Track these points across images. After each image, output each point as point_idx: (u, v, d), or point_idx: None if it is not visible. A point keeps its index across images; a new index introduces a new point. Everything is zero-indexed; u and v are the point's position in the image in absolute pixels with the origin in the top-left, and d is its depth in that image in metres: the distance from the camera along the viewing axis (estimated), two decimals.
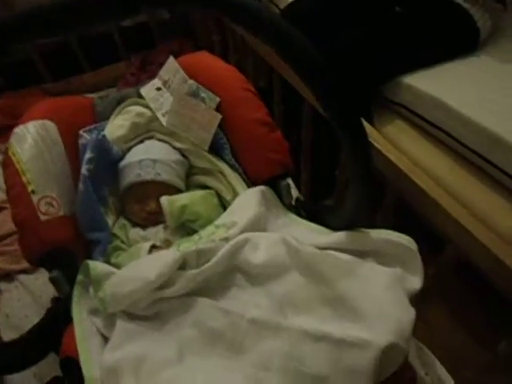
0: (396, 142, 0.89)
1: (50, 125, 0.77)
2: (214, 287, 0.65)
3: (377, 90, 1.00)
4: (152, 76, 1.50)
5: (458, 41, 1.00)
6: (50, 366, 0.69)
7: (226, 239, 0.66)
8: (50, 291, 1.01)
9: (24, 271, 1.04)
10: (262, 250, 0.64)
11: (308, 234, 0.71)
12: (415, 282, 0.60)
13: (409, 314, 0.52)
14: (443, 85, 0.91)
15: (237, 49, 1.20)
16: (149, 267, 0.62)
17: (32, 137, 0.73)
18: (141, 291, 0.61)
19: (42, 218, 0.69)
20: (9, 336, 0.94)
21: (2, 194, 1.23)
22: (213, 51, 1.36)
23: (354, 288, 0.54)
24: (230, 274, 0.66)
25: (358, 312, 0.52)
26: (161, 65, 1.54)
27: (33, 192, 0.69)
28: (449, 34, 0.99)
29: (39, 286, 1.02)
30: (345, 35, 1.03)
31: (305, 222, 0.76)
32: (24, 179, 0.69)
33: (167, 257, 0.63)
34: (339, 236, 0.64)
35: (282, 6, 1.33)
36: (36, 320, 0.95)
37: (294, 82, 0.89)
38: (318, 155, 1.00)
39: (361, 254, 0.63)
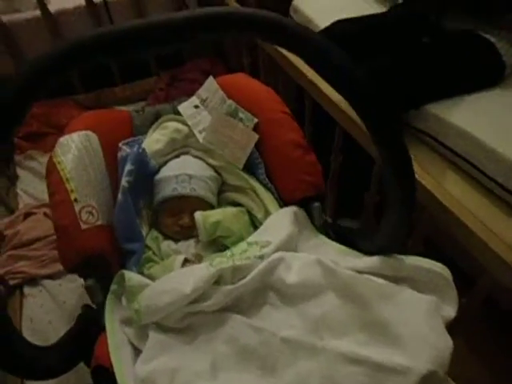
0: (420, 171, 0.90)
1: (93, 136, 0.80)
2: (246, 304, 0.66)
3: (402, 117, 1.02)
4: (181, 92, 1.56)
5: (484, 73, 1.02)
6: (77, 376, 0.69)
7: (261, 257, 0.67)
8: (73, 298, 1.03)
9: (49, 277, 1.05)
10: (296, 269, 0.65)
11: (340, 257, 0.71)
12: (450, 311, 0.60)
13: (447, 342, 0.52)
14: (468, 115, 0.92)
15: (267, 71, 1.24)
16: (184, 281, 0.63)
17: (76, 147, 0.76)
18: (176, 304, 0.62)
19: (83, 226, 0.70)
20: (32, 340, 0.94)
21: (32, 200, 1.25)
22: (243, 71, 1.39)
23: (392, 313, 0.55)
24: (263, 292, 0.67)
25: (397, 337, 0.52)
26: (190, 81, 1.60)
27: (75, 200, 0.71)
28: (475, 66, 1.01)
29: (63, 292, 1.03)
30: (371, 63, 1.06)
31: (335, 244, 0.76)
32: (68, 187, 0.72)
33: (203, 271, 0.64)
34: (373, 260, 0.65)
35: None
36: (59, 326, 0.98)
37: (325, 105, 0.91)
38: (345, 178, 1.01)
39: (395, 280, 0.64)
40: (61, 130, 1.33)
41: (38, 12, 1.29)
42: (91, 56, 0.42)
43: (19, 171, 1.35)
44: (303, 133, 0.82)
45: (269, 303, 0.66)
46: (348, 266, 0.66)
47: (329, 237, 0.79)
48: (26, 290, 1.05)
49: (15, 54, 1.34)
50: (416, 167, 0.84)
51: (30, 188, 1.28)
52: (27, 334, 0.97)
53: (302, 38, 0.47)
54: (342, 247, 0.75)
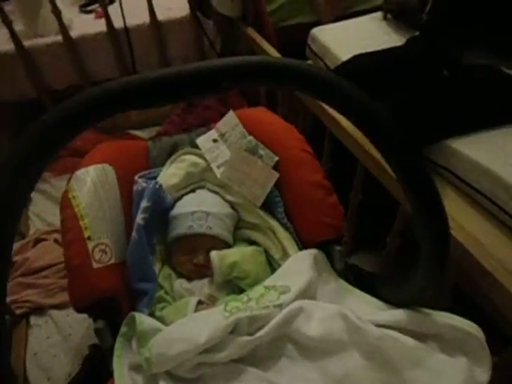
0: None
1: (109, 169, 0.78)
2: (262, 356, 0.63)
3: (422, 151, 1.00)
4: (196, 118, 1.55)
5: (506, 109, 1.00)
6: None
7: (280, 306, 0.64)
8: (80, 330, 1.00)
9: (56, 306, 1.03)
10: (318, 321, 0.61)
11: (362, 306, 0.68)
12: (482, 375, 0.56)
13: None
14: (490, 151, 0.89)
15: (285, 101, 1.23)
16: (199, 329, 0.60)
17: (92, 181, 0.75)
18: (189, 354, 0.59)
19: (95, 265, 0.68)
20: (35, 376, 0.92)
21: (43, 224, 1.24)
22: (258, 101, 1.39)
23: (422, 380, 0.51)
24: (281, 344, 0.63)
25: None
26: (205, 108, 1.60)
27: (89, 238, 0.69)
28: (496, 101, 0.99)
29: (70, 324, 1.00)
30: (392, 96, 1.04)
31: (356, 290, 0.73)
32: (82, 224, 0.70)
33: (219, 320, 0.61)
34: (400, 314, 0.61)
35: (329, 62, 1.37)
36: (64, 361, 0.94)
37: (347, 143, 0.89)
38: (364, 217, 0.98)
39: (423, 337, 0.60)
40: (74, 152, 1.33)
41: (59, 37, 1.30)
42: (115, 107, 0.41)
43: (32, 194, 1.34)
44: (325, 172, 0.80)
45: (286, 356, 0.62)
46: (372, 319, 0.62)
47: (349, 282, 0.76)
48: (33, 319, 1.02)
49: (36, 78, 1.35)
50: None
51: (42, 212, 1.27)
52: (31, 368, 0.93)
53: (334, 89, 0.45)
54: (364, 295, 0.71)
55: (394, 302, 0.65)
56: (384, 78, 1.11)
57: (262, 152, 0.80)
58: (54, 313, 1.02)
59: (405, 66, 1.13)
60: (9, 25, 1.20)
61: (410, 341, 0.56)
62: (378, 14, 1.47)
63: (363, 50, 1.23)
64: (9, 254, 0.39)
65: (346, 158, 0.93)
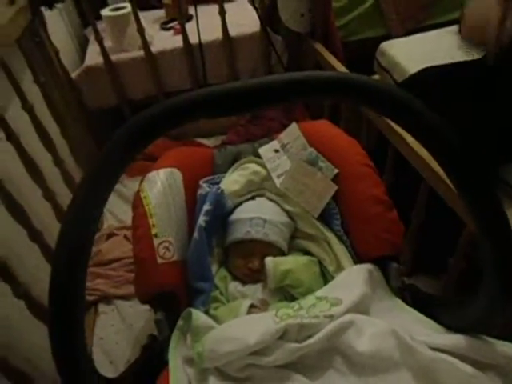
0: None
1: (177, 173, 0.84)
2: (310, 364, 0.63)
3: (497, 172, 0.94)
4: (260, 129, 1.60)
5: None
6: None
7: (330, 317, 0.64)
8: (140, 321, 1.07)
9: (122, 297, 1.11)
10: (368, 337, 0.60)
11: (416, 326, 0.65)
12: None
13: None
14: None
15: (349, 116, 1.22)
16: (250, 331, 0.62)
17: (162, 183, 0.81)
18: (238, 353, 0.61)
19: (159, 260, 0.73)
20: (99, 360, 1.00)
21: (115, 221, 1.35)
22: (322, 114, 1.40)
23: None
24: (329, 355, 0.63)
25: None
26: (269, 119, 1.64)
27: (155, 235, 0.75)
28: None
29: (132, 315, 1.08)
30: (465, 112, 0.99)
31: (412, 310, 0.71)
32: (150, 222, 0.76)
33: (270, 324, 0.63)
34: (458, 339, 0.58)
35: (397, 76, 1.34)
36: (124, 349, 1.02)
37: (411, 160, 0.87)
38: (426, 237, 0.94)
39: (480, 366, 0.57)
40: (146, 156, 1.44)
41: (141, 52, 1.43)
42: (186, 117, 0.45)
43: None
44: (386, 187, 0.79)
45: (334, 368, 0.62)
46: (426, 340, 0.60)
47: (405, 301, 0.73)
48: (101, 307, 1.12)
49: (118, 88, 1.49)
50: None
51: (115, 209, 1.38)
52: (96, 352, 1.02)
53: (402, 107, 0.45)
54: (420, 315, 0.69)
55: (453, 327, 0.62)
56: (455, 92, 1.07)
57: (321, 164, 0.81)
58: (120, 303, 1.11)
59: (478, 81, 1.08)
60: (100, 41, 1.35)
61: (467, 368, 0.53)
62: (454, 28, 1.41)
63: (433, 64, 1.19)
64: (90, 244, 0.44)
65: (409, 174, 0.90)
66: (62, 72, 1.31)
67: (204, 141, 1.63)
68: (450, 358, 0.55)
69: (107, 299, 1.12)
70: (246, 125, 1.58)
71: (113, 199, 1.46)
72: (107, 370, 0.96)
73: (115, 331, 1.05)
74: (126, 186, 1.47)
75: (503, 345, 0.57)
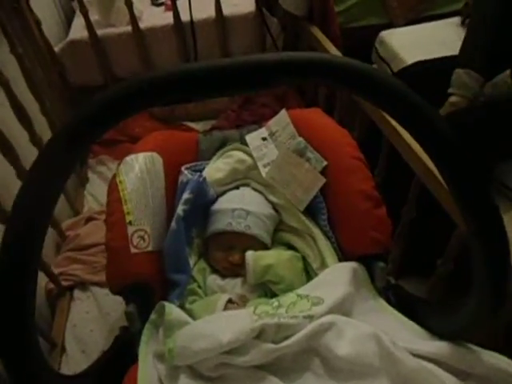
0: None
1: (158, 158, 0.80)
2: (286, 366, 0.60)
3: (491, 171, 0.91)
4: (251, 115, 1.55)
5: None
6: None
7: (311, 317, 0.61)
8: (117, 310, 1.03)
9: (98, 284, 1.07)
10: (348, 340, 0.57)
11: (400, 331, 0.62)
12: None
13: None
14: None
15: (343, 106, 1.18)
16: (224, 328, 0.59)
17: (139, 168, 0.76)
18: (211, 352, 0.58)
19: (133, 250, 0.69)
20: (71, 346, 0.96)
21: (97, 205, 1.30)
22: (317, 102, 1.35)
23: None
24: (307, 357, 0.60)
25: None
26: (261, 106, 1.59)
27: (130, 223, 0.71)
28: None
29: (108, 303, 1.04)
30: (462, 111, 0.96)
31: (395, 312, 0.68)
32: (125, 208, 0.71)
33: (245, 323, 0.59)
34: (442, 346, 0.56)
35: (395, 68, 1.29)
36: (98, 338, 0.98)
37: (405, 155, 0.83)
38: (415, 235, 0.91)
39: (464, 376, 0.54)
40: (133, 139, 1.38)
41: (129, 28, 1.36)
42: (164, 94, 0.40)
43: (90, 175, 1.41)
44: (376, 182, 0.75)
45: (311, 371, 0.59)
46: (410, 347, 0.57)
47: (389, 302, 0.70)
48: (76, 293, 1.08)
49: (104, 65, 1.42)
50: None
51: (97, 192, 1.33)
52: (69, 339, 0.98)
53: (396, 98, 0.41)
54: (403, 318, 0.66)
55: (437, 332, 0.60)
56: (446, 87, 1.02)
57: (310, 155, 0.77)
58: (96, 290, 1.07)
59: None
60: (85, 14, 1.27)
61: (451, 380, 0.51)
62: (456, 20, 1.37)
63: (434, 57, 1.15)
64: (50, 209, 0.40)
65: (402, 169, 0.87)
66: (43, 44, 1.24)
67: (193, 125, 1.57)
68: (431, 367, 0.52)
69: (83, 285, 1.08)
70: (237, 110, 1.52)
71: (95, 181, 1.41)
72: (78, 360, 0.92)
73: (89, 319, 1.01)
74: (111, 168, 1.42)
75: (487, 354, 0.55)
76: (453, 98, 0.94)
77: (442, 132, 0.41)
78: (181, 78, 0.39)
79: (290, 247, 0.82)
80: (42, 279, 1.04)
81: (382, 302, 0.70)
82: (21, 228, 0.37)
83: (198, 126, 1.57)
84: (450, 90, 0.95)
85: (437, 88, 0.97)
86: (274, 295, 0.73)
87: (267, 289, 0.76)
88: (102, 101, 0.39)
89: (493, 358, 0.54)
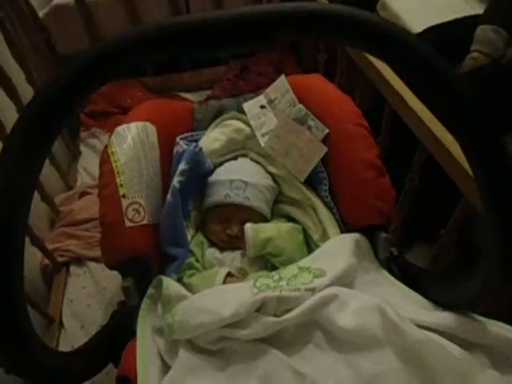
0: None
1: (151, 127, 0.76)
2: (287, 339, 0.59)
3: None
4: (248, 84, 1.49)
5: None
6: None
7: (312, 290, 0.59)
8: (113, 285, 1.02)
9: (94, 259, 1.05)
10: (352, 312, 0.56)
11: (403, 302, 0.61)
12: None
13: None
14: None
15: (344, 71, 1.13)
16: (224, 302, 0.58)
17: (132, 138, 0.73)
18: (211, 326, 0.56)
19: (127, 223, 0.67)
20: (69, 322, 0.96)
21: (90, 179, 1.27)
22: (316, 69, 1.29)
23: None
24: (309, 330, 0.59)
25: None
26: (258, 74, 1.53)
27: (123, 196, 0.68)
28: None
29: (105, 278, 1.02)
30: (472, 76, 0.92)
31: (398, 283, 0.66)
32: (118, 181, 0.68)
33: (246, 296, 0.58)
34: (446, 317, 0.54)
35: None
36: (96, 312, 0.97)
37: (408, 120, 0.80)
38: (419, 204, 0.89)
39: (470, 346, 0.53)
40: (124, 111, 1.33)
41: None
42: (153, 49, 0.36)
43: (82, 148, 1.37)
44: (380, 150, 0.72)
45: (314, 343, 0.58)
46: (414, 317, 0.55)
47: (392, 273, 0.69)
48: (72, 269, 1.06)
49: (92, 32, 1.34)
50: None
51: (90, 166, 1.30)
52: (66, 314, 0.97)
53: (405, 48, 0.37)
54: (407, 289, 0.65)
55: (441, 303, 0.58)
56: (461, 54, 0.98)
57: (311, 123, 0.73)
58: (92, 265, 1.05)
59: None
60: None
61: (456, 350, 0.49)
62: None
63: (439, 21, 1.09)
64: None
65: (406, 136, 0.83)
66: (26, 9, 1.16)
67: (188, 95, 1.52)
68: (436, 338, 0.51)
69: (79, 260, 1.07)
70: (233, 79, 1.47)
71: (88, 155, 1.36)
72: (77, 336, 0.92)
73: (86, 294, 1.00)
74: (103, 141, 1.37)
75: (491, 324, 0.53)
76: (475, 54, 0.89)
77: (457, 89, 0.38)
78: (173, 31, 0.35)
79: (290, 219, 0.80)
80: (37, 255, 1.03)
81: (385, 274, 0.69)
82: (2, 198, 0.35)
83: (192, 96, 1.51)
84: (474, 47, 0.91)
85: (450, 53, 0.93)
86: (274, 268, 0.72)
87: (267, 262, 0.74)
88: (83, 62, 0.36)
89: (498, 328, 0.53)
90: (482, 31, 0.92)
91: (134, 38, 0.35)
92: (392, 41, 0.36)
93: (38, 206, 1.06)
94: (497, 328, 0.53)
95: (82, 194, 1.19)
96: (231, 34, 0.35)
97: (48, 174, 1.18)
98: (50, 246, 1.04)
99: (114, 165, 0.70)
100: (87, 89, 0.36)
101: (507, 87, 0.86)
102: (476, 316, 0.54)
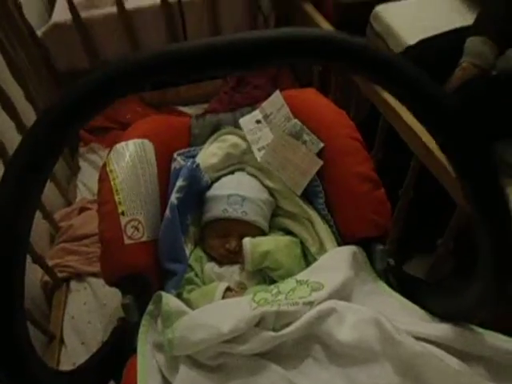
0: None
1: (149, 145, 0.77)
2: (287, 354, 0.59)
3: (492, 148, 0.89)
4: (244, 97, 1.51)
5: None
6: None
7: (310, 303, 0.60)
8: (114, 301, 1.02)
9: (94, 274, 1.06)
10: (349, 325, 0.57)
11: (401, 313, 0.62)
12: None
13: None
14: None
15: (339, 84, 1.15)
16: (223, 317, 0.58)
17: (130, 156, 0.74)
18: (211, 341, 0.57)
19: (127, 241, 0.68)
20: (70, 338, 0.96)
21: (90, 194, 1.28)
22: (311, 83, 1.31)
23: None
24: (308, 343, 0.59)
25: None
26: (254, 87, 1.55)
27: (122, 213, 0.69)
28: None
29: (105, 293, 1.03)
30: (465, 87, 0.93)
31: (397, 295, 0.67)
32: (116, 198, 0.69)
33: (245, 311, 0.58)
34: (444, 329, 0.55)
35: (392, 44, 1.26)
36: (96, 329, 0.97)
37: (402, 132, 0.81)
38: (413, 216, 0.90)
39: (468, 358, 0.53)
40: (124, 126, 1.35)
41: (114, 9, 1.31)
42: (144, 77, 0.37)
43: (81, 163, 1.38)
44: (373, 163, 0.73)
45: (313, 357, 0.58)
46: (411, 329, 0.56)
47: (389, 285, 0.70)
48: (73, 284, 1.06)
49: (90, 49, 1.37)
50: None
51: (89, 181, 1.31)
52: (67, 331, 0.97)
53: (392, 71, 0.39)
54: (404, 300, 0.65)
55: (438, 314, 0.59)
56: (452, 65, 0.99)
57: (306, 137, 0.75)
58: (93, 281, 1.06)
59: None
60: None
61: (454, 362, 0.50)
62: None
63: (431, 31, 1.11)
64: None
65: (400, 149, 0.84)
66: (25, 28, 1.18)
67: (185, 109, 1.54)
68: (434, 350, 0.51)
69: (79, 276, 1.07)
70: (229, 92, 1.49)
71: (87, 170, 1.38)
72: (78, 352, 0.92)
73: (87, 310, 1.00)
74: (102, 157, 1.38)
75: (490, 335, 0.54)
76: (465, 65, 0.91)
77: (442, 105, 0.39)
78: (169, 58, 0.37)
79: (288, 232, 0.80)
80: (38, 272, 1.03)
81: (383, 285, 0.69)
82: (4, 219, 0.35)
83: (190, 110, 1.53)
84: (463, 59, 0.92)
85: (443, 66, 0.94)
86: (272, 282, 0.72)
87: (266, 275, 0.75)
88: (83, 88, 0.37)
89: (496, 339, 0.53)
90: (472, 43, 0.94)
91: (130, 65, 0.37)
92: (382, 66, 0.37)
93: (38, 223, 1.07)
94: (495, 339, 0.53)
95: (82, 210, 1.20)
96: (221, 59, 0.36)
97: (48, 190, 1.19)
98: (50, 262, 1.05)
99: (112, 182, 0.70)
100: (82, 118, 0.37)
101: (498, 97, 0.87)
102: (473, 327, 0.55)
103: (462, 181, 0.41)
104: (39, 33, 1.30)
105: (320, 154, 0.75)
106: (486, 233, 0.42)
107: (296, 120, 0.77)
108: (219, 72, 0.39)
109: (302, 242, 0.77)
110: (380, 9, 1.35)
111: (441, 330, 0.55)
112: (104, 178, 0.72)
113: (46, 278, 1.04)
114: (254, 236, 0.75)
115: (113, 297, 1.02)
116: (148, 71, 0.36)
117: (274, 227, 0.82)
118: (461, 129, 0.39)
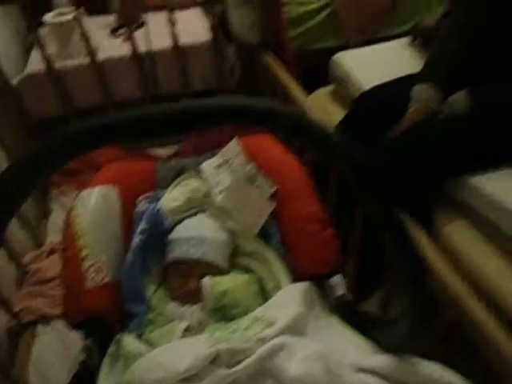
0: (456, 245, 0.86)
1: (113, 192, 0.82)
2: None
3: (441, 186, 0.96)
4: (210, 140, 1.57)
5: None
6: None
7: (263, 340, 0.63)
8: (78, 344, 1.02)
9: (60, 317, 1.06)
10: (298, 360, 0.60)
11: (350, 347, 0.66)
12: None
13: None
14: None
15: None
16: (180, 356, 0.61)
17: (96, 201, 0.78)
18: (169, 381, 0.59)
19: (88, 285, 0.71)
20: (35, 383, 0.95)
21: (59, 237, 1.29)
22: None
23: None
24: (261, 379, 0.62)
25: None
26: (220, 131, 1.62)
27: (86, 257, 0.72)
28: None
29: (70, 336, 1.02)
30: (410, 131, 1.01)
31: (347, 329, 0.71)
32: (79, 244, 0.73)
33: (201, 349, 0.61)
34: (387, 360, 0.59)
35: (351, 88, 1.35)
36: (61, 371, 0.96)
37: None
38: (366, 253, 0.95)
39: None
40: (96, 168, 1.38)
41: (87, 59, 1.37)
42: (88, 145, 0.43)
43: (53, 205, 1.40)
44: (323, 204, 0.79)
45: None
46: (356, 362, 0.60)
47: (342, 318, 0.74)
48: (39, 328, 1.06)
49: (64, 98, 1.41)
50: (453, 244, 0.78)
51: (60, 223, 1.31)
52: (32, 376, 0.96)
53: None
54: (354, 335, 0.70)
55: (383, 346, 0.63)
56: (403, 110, 1.08)
57: (260, 181, 0.81)
58: (59, 323, 1.05)
59: None
60: (41, 47, 1.28)
61: None
62: (407, 39, 1.44)
63: (387, 77, 1.19)
64: None
65: (350, 192, 0.91)
66: (0, 77, 1.24)
67: (158, 150, 1.59)
68: (372, 381, 0.55)
69: (46, 319, 1.07)
70: (199, 135, 1.55)
71: (58, 213, 1.39)
72: None
73: (52, 353, 0.99)
74: (72, 197, 1.40)
75: (424, 365, 0.58)
76: (412, 109, 0.97)
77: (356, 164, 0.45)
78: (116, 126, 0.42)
79: (248, 271, 0.84)
80: (3, 316, 1.03)
81: (335, 319, 0.73)
82: None
83: (163, 150, 1.58)
84: (411, 104, 0.98)
85: (394, 110, 1.02)
86: (232, 319, 0.75)
87: (226, 313, 0.78)
88: (41, 151, 0.42)
89: (428, 369, 0.58)
90: (418, 89, 1.02)
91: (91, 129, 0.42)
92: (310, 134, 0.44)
93: (5, 266, 1.08)
94: (427, 368, 0.58)
95: (51, 252, 1.21)
96: (160, 126, 0.42)
97: (18, 232, 1.20)
98: (17, 307, 1.04)
99: (77, 227, 0.74)
100: (42, 174, 0.42)
101: (444, 139, 0.95)
102: (412, 357, 0.59)
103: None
104: (14, 82, 1.35)
105: (274, 197, 0.81)
106: (399, 271, 0.49)
107: (251, 165, 0.83)
108: (154, 138, 0.44)
109: (260, 280, 0.82)
110: (339, 56, 1.45)
111: (383, 361, 0.60)
112: (68, 223, 0.76)
113: (12, 322, 1.03)
114: (213, 275, 0.78)
115: (77, 340, 1.01)
116: (100, 136, 0.41)
117: (234, 266, 0.86)
118: (375, 188, 0.46)
